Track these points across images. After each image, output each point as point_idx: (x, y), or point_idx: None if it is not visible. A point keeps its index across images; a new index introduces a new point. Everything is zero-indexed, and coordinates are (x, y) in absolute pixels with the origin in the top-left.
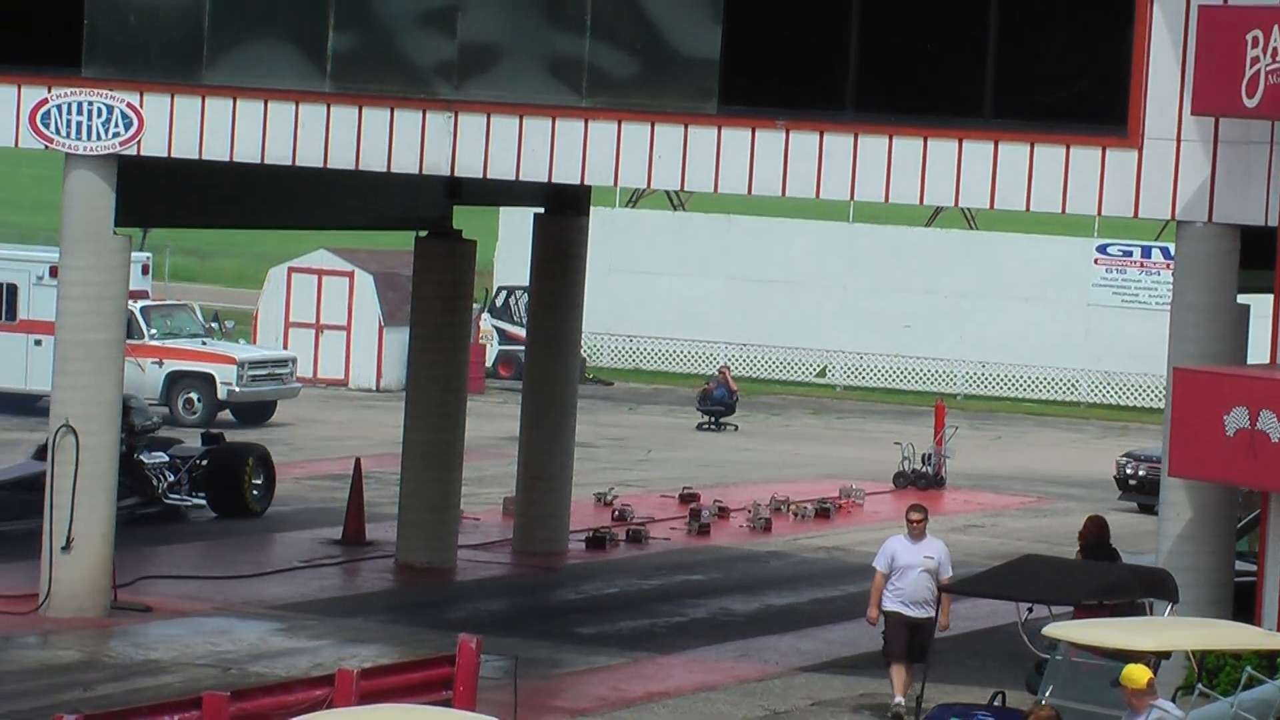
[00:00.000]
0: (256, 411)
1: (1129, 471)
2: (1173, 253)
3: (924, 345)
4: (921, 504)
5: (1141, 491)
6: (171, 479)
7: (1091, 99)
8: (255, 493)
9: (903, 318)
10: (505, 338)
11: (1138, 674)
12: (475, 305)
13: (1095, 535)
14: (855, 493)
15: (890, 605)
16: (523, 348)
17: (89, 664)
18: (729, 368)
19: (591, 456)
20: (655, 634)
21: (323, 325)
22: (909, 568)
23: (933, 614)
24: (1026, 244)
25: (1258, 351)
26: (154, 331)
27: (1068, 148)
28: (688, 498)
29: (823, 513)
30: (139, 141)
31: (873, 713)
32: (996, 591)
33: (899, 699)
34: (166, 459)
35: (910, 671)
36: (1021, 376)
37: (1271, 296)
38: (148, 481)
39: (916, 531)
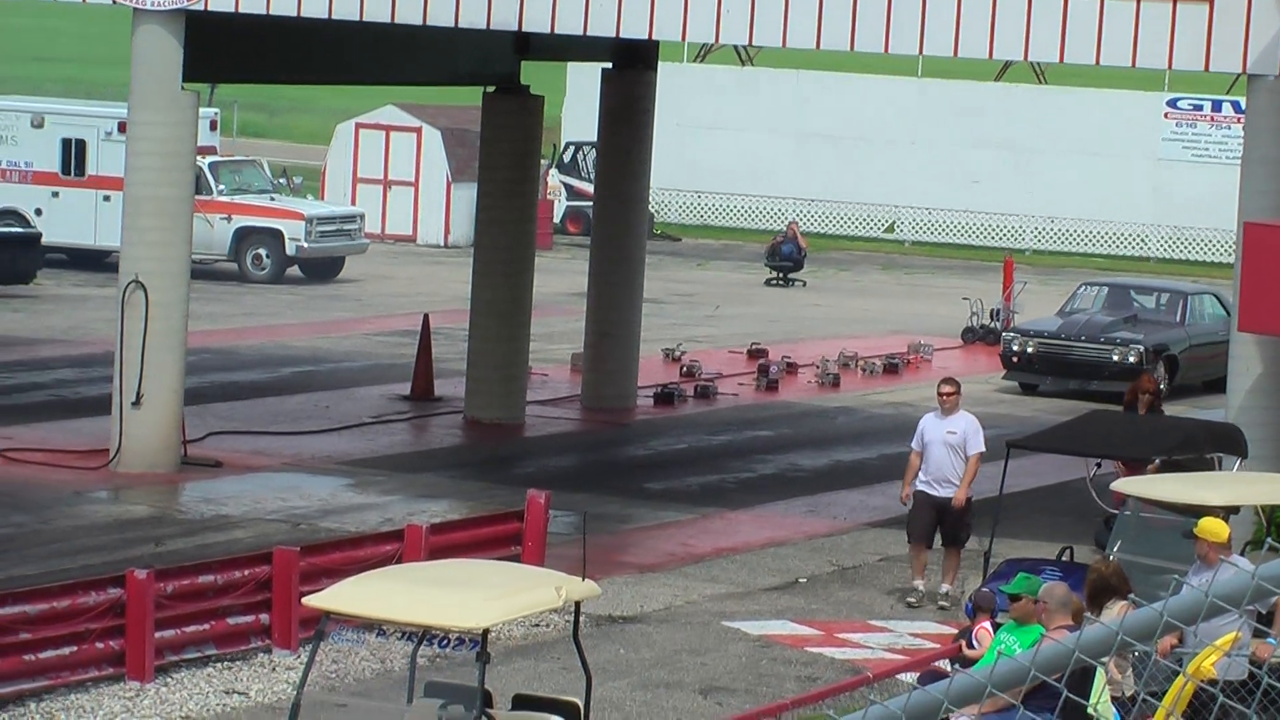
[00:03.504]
0: (325, 267)
1: (1015, 348)
2: (1244, 107)
3: (993, 200)
4: (953, 377)
5: (1029, 369)
6: None
7: None
8: None
9: (971, 173)
10: (573, 193)
11: (1219, 527)
12: (543, 161)
13: (1153, 392)
14: (923, 348)
15: (918, 484)
16: (590, 203)
17: (159, 519)
18: (797, 223)
19: (660, 312)
20: (724, 490)
21: (390, 181)
22: (932, 443)
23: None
24: (1096, 98)
25: None
26: (222, 187)
27: (1138, 1)
28: (756, 353)
29: (891, 368)
30: None
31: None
32: (1065, 447)
33: (918, 582)
34: None
35: (951, 554)
36: (1090, 231)
37: None
38: None
39: (947, 405)
